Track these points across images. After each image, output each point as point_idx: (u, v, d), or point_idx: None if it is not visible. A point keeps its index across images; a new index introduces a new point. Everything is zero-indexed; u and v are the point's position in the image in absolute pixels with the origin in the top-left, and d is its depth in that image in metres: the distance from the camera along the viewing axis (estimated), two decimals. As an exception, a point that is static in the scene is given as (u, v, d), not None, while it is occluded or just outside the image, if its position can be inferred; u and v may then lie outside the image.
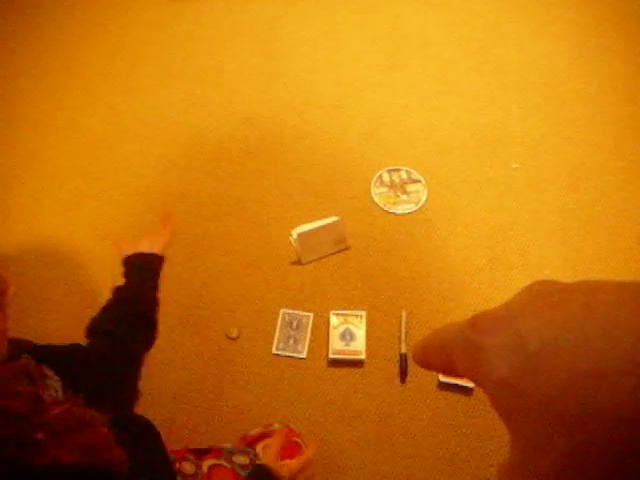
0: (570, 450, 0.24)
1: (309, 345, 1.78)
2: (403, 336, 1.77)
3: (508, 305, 0.28)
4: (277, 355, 1.77)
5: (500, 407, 0.27)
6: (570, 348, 0.24)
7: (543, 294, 0.27)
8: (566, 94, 2.36)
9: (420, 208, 2.05)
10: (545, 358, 0.24)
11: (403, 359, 1.73)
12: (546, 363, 0.24)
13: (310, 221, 1.95)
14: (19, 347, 0.79)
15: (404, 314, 1.81)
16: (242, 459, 1.19)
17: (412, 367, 1.72)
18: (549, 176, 2.13)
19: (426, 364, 0.33)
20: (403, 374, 1.72)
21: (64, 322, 1.88)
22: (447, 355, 0.30)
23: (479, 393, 1.69)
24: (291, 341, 1.78)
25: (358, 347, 1.75)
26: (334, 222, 1.90)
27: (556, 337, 0.24)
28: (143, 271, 1.25)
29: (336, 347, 1.75)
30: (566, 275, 1.90)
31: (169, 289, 1.90)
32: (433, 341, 0.32)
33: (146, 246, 1.28)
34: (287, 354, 1.77)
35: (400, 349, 1.75)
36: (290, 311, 1.84)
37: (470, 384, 1.68)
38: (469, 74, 2.44)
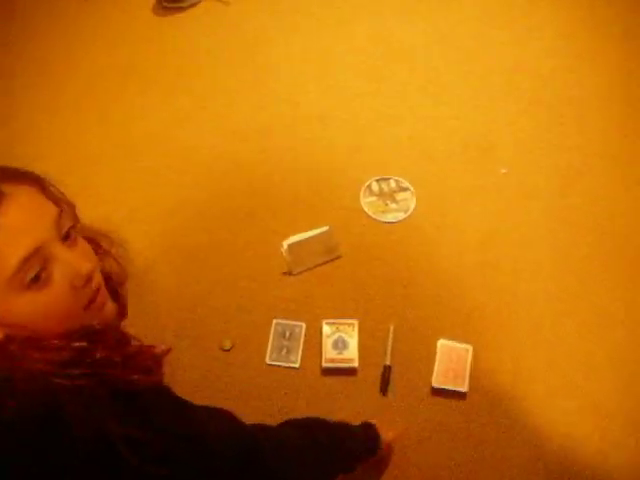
0: None
1: (302, 354, 1.78)
2: (389, 349, 1.77)
3: None
4: (271, 365, 1.77)
5: None
6: None
7: None
8: (552, 99, 2.38)
9: (409, 216, 2.06)
10: None
11: (387, 370, 1.73)
12: None
13: (300, 231, 1.96)
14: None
15: (392, 328, 1.81)
16: None
17: (399, 376, 1.73)
18: (538, 181, 2.15)
19: None
20: (384, 386, 1.72)
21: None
22: None
23: (473, 397, 1.69)
24: (284, 351, 1.79)
25: (351, 355, 1.75)
26: (324, 232, 1.92)
27: None
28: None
29: (329, 356, 1.75)
30: (556, 278, 1.91)
31: (162, 302, 1.91)
32: None
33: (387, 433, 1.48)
34: (280, 364, 1.77)
35: (385, 360, 1.75)
36: (283, 321, 1.84)
37: (463, 388, 1.68)
38: (456, 82, 2.46)
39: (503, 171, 2.16)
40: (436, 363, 1.73)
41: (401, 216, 2.06)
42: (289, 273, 1.94)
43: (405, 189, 2.12)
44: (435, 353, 1.75)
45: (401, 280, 1.93)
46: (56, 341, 0.74)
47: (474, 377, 1.71)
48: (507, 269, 1.94)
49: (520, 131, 2.29)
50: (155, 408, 0.79)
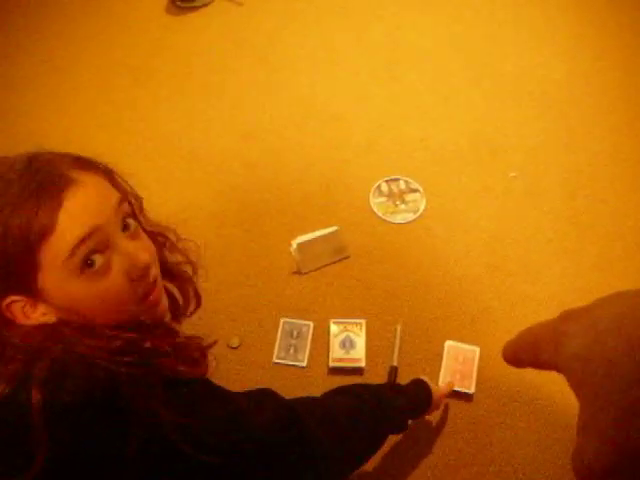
0: (626, 405, 0.30)
1: (309, 353, 1.79)
2: (396, 349, 1.77)
3: (592, 302, 0.36)
4: (278, 364, 1.78)
5: (572, 378, 0.34)
6: (631, 324, 0.31)
7: (620, 293, 0.35)
8: (563, 102, 2.38)
9: (419, 217, 2.07)
10: (611, 332, 0.31)
11: (393, 371, 1.73)
12: (611, 336, 0.31)
13: (310, 231, 1.97)
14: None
15: (399, 328, 1.81)
16: None
17: (405, 376, 1.72)
18: (547, 184, 2.15)
19: (515, 359, 0.41)
20: None
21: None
22: (535, 347, 0.38)
23: (480, 399, 1.69)
24: (291, 350, 1.79)
25: (358, 355, 1.76)
26: (333, 232, 1.92)
27: (622, 314, 0.32)
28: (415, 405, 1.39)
29: (336, 355, 1.76)
30: (565, 281, 1.91)
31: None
32: (525, 337, 0.40)
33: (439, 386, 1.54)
34: (288, 363, 1.78)
35: (392, 361, 1.76)
36: (290, 320, 1.85)
37: (470, 390, 1.68)
38: (467, 84, 2.47)
39: (512, 174, 2.16)
40: (443, 364, 1.73)
41: (410, 217, 2.07)
42: (298, 272, 1.94)
43: (415, 190, 2.13)
44: (442, 354, 1.76)
45: (409, 281, 1.93)
46: (107, 330, 0.77)
47: (481, 379, 1.71)
48: (515, 271, 1.94)
49: (530, 134, 2.29)
50: (201, 397, 0.81)
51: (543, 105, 2.38)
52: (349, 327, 1.80)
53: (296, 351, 1.79)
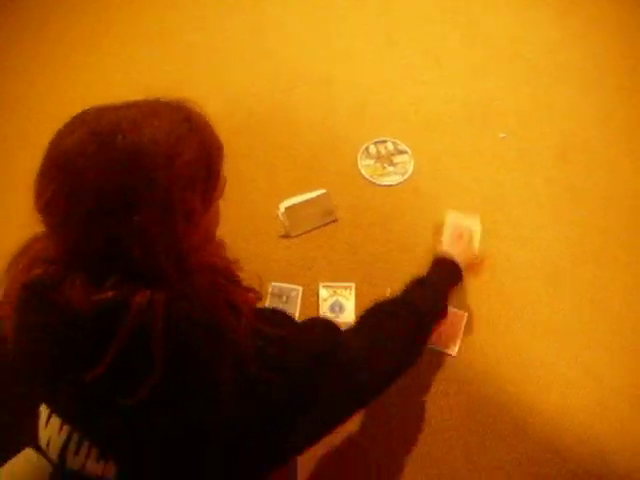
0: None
1: (299, 318, 1.78)
2: None
3: None
4: (267, 328, 1.77)
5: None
6: None
7: None
8: (556, 65, 2.35)
9: (407, 179, 2.05)
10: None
11: None
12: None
13: (298, 194, 1.95)
14: None
15: (389, 291, 1.80)
16: None
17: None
18: (539, 147, 2.13)
19: None
20: None
21: None
22: None
23: (464, 359, 1.70)
24: (280, 314, 1.78)
25: (347, 319, 1.75)
26: (321, 195, 1.90)
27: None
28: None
29: (326, 319, 1.75)
30: (557, 246, 1.90)
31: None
32: None
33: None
34: (277, 327, 1.77)
35: None
36: (279, 284, 1.84)
37: (453, 352, 1.69)
38: (460, 47, 2.43)
39: (502, 135, 2.14)
40: (431, 327, 1.73)
41: (398, 179, 2.05)
42: (286, 236, 1.93)
43: (403, 152, 2.10)
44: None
45: (398, 244, 1.92)
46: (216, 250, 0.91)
47: (465, 343, 1.72)
48: (507, 235, 1.93)
49: (523, 97, 2.26)
50: (281, 322, 0.92)
51: (536, 68, 2.34)
52: (338, 291, 1.79)
53: (285, 315, 1.78)
